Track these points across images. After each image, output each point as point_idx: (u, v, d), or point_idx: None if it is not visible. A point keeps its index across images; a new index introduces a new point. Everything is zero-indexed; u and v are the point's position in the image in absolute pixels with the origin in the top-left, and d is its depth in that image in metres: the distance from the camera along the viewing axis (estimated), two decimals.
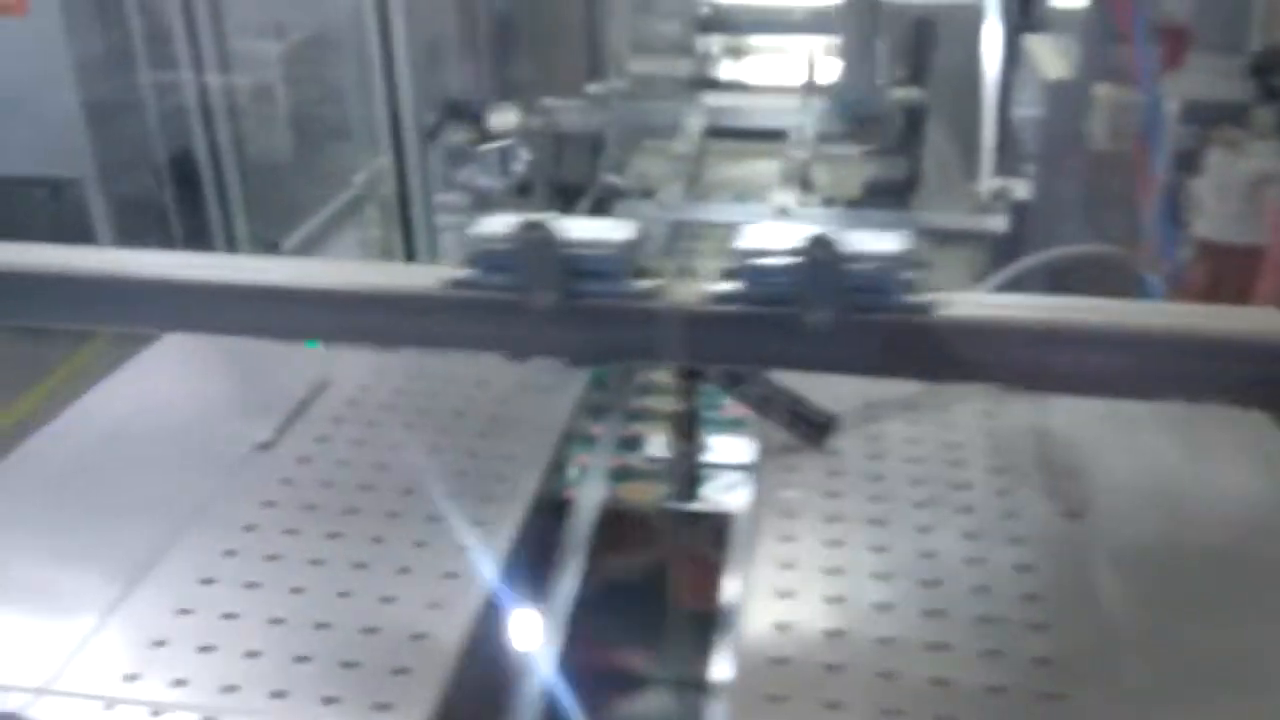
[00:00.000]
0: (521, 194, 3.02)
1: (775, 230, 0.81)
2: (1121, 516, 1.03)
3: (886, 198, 2.20)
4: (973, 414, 1.20)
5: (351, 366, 1.32)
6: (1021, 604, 0.93)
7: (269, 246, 2.58)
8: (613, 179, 2.41)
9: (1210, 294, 1.31)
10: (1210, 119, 1.57)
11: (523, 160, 2.59)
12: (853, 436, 1.16)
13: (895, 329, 0.62)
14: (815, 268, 0.73)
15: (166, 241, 3.02)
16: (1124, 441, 1.15)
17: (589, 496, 1.23)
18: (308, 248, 2.63)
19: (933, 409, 1.21)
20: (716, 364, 0.65)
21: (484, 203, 3.03)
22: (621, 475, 1.40)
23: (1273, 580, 0.96)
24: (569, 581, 1.09)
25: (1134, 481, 1.09)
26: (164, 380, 1.32)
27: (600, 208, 2.74)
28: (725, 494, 1.28)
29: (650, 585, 1.34)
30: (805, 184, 2.25)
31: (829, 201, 2.23)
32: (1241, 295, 1.28)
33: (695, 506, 1.30)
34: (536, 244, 0.83)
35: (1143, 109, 1.54)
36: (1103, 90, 1.73)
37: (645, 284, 0.82)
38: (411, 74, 2.31)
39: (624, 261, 0.84)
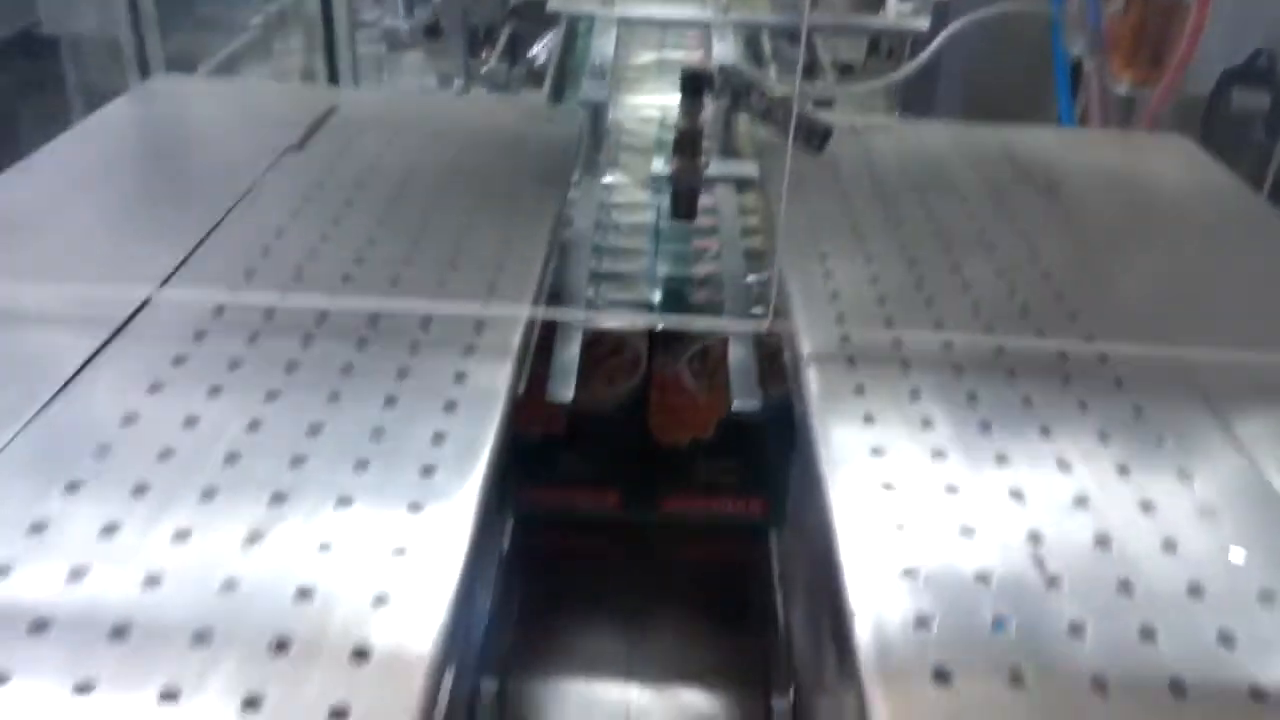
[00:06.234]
0: (430, 35, 3.02)
1: None
2: (1084, 191, 1.20)
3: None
4: (942, 134, 1.34)
5: (355, 98, 1.35)
6: (1026, 247, 1.07)
7: (188, 67, 2.53)
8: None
9: (1136, 43, 1.49)
10: None
11: None
12: (845, 147, 1.28)
13: None
14: None
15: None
16: (1071, 152, 1.32)
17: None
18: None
19: (907, 131, 1.35)
20: None
21: (395, 41, 3.02)
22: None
23: (1195, 231, 1.15)
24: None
25: (1088, 170, 1.26)
26: (157, 112, 1.32)
27: (514, 49, 2.77)
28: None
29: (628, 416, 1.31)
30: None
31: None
32: (1164, 40, 1.47)
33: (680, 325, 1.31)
34: None
35: None
36: None
37: None
38: None
39: None
